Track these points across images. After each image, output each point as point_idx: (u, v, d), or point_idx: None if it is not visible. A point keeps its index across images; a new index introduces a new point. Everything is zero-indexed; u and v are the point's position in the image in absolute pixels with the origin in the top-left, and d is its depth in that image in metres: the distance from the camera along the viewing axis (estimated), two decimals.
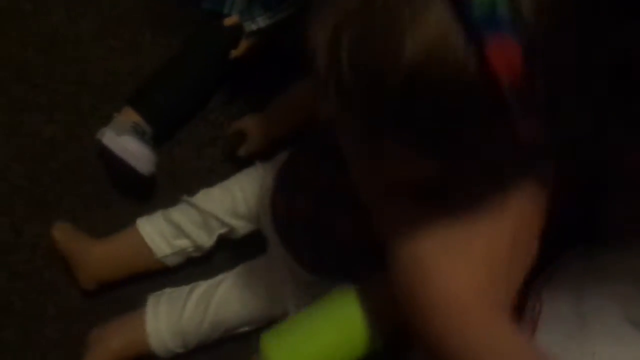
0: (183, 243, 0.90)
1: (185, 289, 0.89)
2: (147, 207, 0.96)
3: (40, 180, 1.01)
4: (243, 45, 0.93)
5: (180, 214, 0.90)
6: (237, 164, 0.97)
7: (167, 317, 0.85)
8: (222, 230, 0.90)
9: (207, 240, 0.90)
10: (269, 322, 0.86)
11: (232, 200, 0.89)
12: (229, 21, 0.93)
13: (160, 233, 0.90)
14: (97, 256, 0.90)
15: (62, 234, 0.90)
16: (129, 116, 0.94)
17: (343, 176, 0.59)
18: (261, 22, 0.91)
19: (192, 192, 0.94)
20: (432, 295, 0.49)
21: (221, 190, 0.90)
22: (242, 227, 0.89)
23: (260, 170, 0.89)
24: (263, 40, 0.94)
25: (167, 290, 0.90)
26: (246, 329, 0.88)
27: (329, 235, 0.76)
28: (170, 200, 0.95)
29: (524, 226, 0.50)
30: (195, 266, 0.95)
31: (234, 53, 0.93)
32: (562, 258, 0.62)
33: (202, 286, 0.88)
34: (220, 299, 0.86)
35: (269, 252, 0.86)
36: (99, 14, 1.10)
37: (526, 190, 0.50)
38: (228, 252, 0.95)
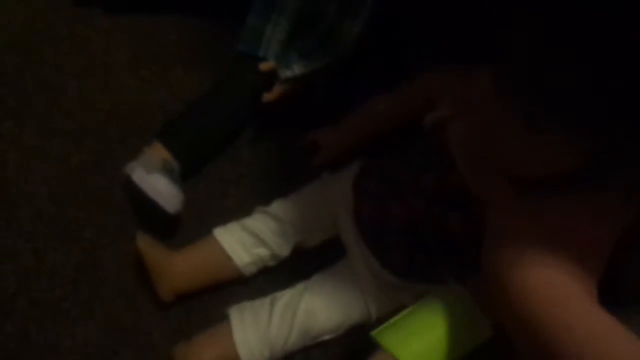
0: (262, 251, 0.92)
1: (265, 300, 0.89)
2: (170, 242, 0.96)
3: (65, 207, 1.01)
4: (277, 90, 0.94)
5: (258, 222, 0.92)
6: (263, 200, 0.99)
7: (254, 327, 0.86)
8: (298, 239, 0.93)
9: (284, 249, 0.93)
10: (349, 329, 0.88)
11: (307, 209, 0.92)
12: (265, 66, 0.95)
13: (240, 242, 0.91)
14: (179, 267, 0.90)
15: (146, 244, 0.90)
16: (159, 152, 0.94)
17: (452, 176, 0.69)
18: (297, 69, 0.93)
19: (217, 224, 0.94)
20: (539, 284, 0.55)
21: (295, 200, 0.93)
22: (318, 235, 0.93)
23: (330, 181, 0.92)
24: (297, 86, 0.96)
25: (247, 302, 0.90)
26: (327, 337, 0.89)
27: (437, 235, 0.79)
28: (194, 235, 0.96)
29: (612, 240, 0.57)
30: (265, 275, 0.96)
31: (267, 97, 0.94)
32: None
33: (285, 295, 0.89)
34: (306, 307, 0.86)
35: (349, 259, 0.88)
36: (133, 44, 1.13)
37: (628, 213, 0.57)
38: (295, 261, 0.96)
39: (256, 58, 0.97)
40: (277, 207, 0.94)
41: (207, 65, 1.10)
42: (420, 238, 0.81)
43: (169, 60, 1.11)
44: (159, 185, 0.88)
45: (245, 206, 0.99)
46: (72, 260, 0.98)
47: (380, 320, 0.81)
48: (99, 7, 1.13)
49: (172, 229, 0.99)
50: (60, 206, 1.01)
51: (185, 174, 1.00)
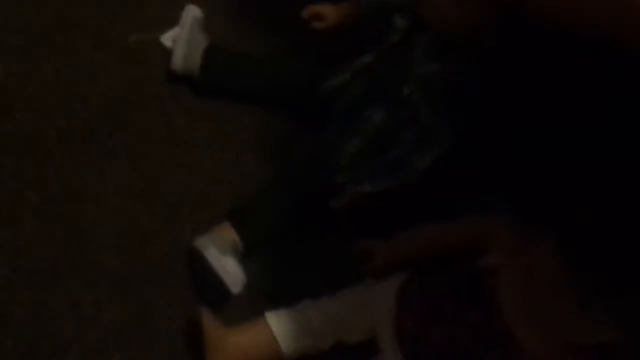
0: (307, 342, 1.00)
1: None
2: (221, 315, 1.02)
3: (129, 264, 1.09)
4: (344, 200, 1.06)
5: (307, 315, 0.99)
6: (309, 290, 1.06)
7: None
8: (340, 335, 1.00)
9: (326, 343, 1.00)
10: None
11: (352, 310, 0.99)
12: (338, 179, 1.06)
13: (289, 331, 0.99)
14: (232, 345, 0.98)
15: (209, 321, 0.98)
16: (229, 233, 1.04)
17: (498, 319, 0.77)
18: (367, 187, 1.05)
19: (262, 309, 1.02)
20: None
21: (342, 300, 1.01)
22: (357, 335, 0.99)
23: (374, 287, 0.99)
24: (365, 199, 1.07)
25: None
26: None
27: None
28: (245, 312, 1.04)
29: None
30: None
31: (335, 204, 1.06)
32: None
33: None
34: None
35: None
36: (213, 125, 1.24)
37: None
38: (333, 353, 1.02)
39: (328, 165, 1.08)
40: (326, 303, 1.02)
41: (277, 155, 1.21)
42: None
43: (243, 145, 1.22)
44: (230, 268, 0.98)
45: (292, 290, 1.07)
46: (129, 317, 1.05)
47: None
48: (189, 87, 1.25)
49: (223, 301, 1.06)
50: (125, 264, 1.09)
51: (245, 253, 1.08)
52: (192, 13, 1.20)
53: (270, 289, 1.11)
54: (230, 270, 0.98)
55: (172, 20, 1.27)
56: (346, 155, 1.08)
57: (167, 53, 1.24)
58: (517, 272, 0.81)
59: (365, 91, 1.09)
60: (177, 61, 1.17)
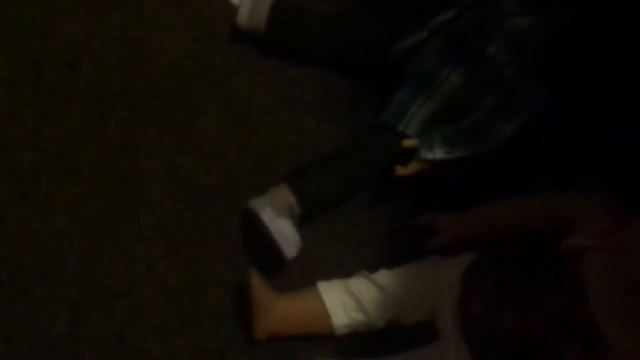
0: (359, 317, 0.95)
1: None
2: (273, 281, 0.99)
3: (183, 223, 1.07)
4: (413, 167, 0.97)
5: (362, 288, 0.94)
6: (364, 263, 1.01)
7: None
8: (396, 314, 0.94)
9: (380, 320, 0.94)
10: None
11: (412, 287, 0.93)
12: (408, 143, 0.98)
13: (342, 303, 0.94)
14: (280, 312, 0.95)
15: (258, 283, 0.95)
16: (286, 195, 0.99)
17: (581, 306, 0.69)
18: (438, 153, 0.96)
19: (315, 280, 0.98)
20: None
21: (402, 276, 0.95)
22: (414, 315, 0.93)
23: (440, 265, 0.93)
24: (433, 168, 0.98)
25: None
26: None
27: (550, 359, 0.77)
28: (294, 279, 1.01)
29: None
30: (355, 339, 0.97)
31: (401, 171, 0.97)
32: None
33: None
34: None
35: (441, 347, 0.89)
36: (276, 87, 1.19)
37: None
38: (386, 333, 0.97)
39: (395, 130, 1.01)
40: (383, 277, 0.95)
41: (340, 121, 1.15)
42: (529, 357, 0.79)
43: (306, 109, 1.17)
44: (285, 231, 0.93)
45: (346, 265, 1.03)
46: (179, 276, 1.03)
47: None
48: (254, 45, 1.21)
49: (275, 269, 1.03)
50: (179, 221, 1.07)
51: (300, 220, 1.03)
52: None
53: (326, 259, 1.06)
54: (285, 233, 0.93)
55: None
56: (419, 120, 1.00)
57: (233, 10, 1.18)
58: (609, 255, 0.71)
59: (443, 51, 1.00)
60: (243, 16, 1.12)
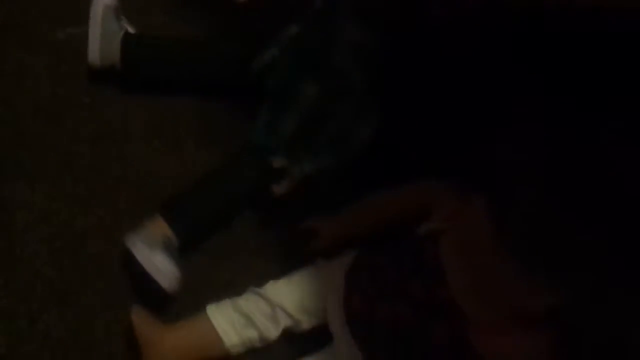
0: (251, 333, 0.93)
1: None
2: (163, 313, 0.97)
3: (64, 271, 1.03)
4: (286, 185, 0.98)
5: (249, 304, 0.93)
6: (255, 277, 1.00)
7: None
8: (288, 324, 0.94)
9: (273, 333, 0.94)
10: None
11: (300, 294, 0.93)
12: (277, 163, 0.98)
13: (231, 322, 0.93)
14: (169, 343, 0.92)
15: (141, 319, 0.92)
16: (160, 227, 0.97)
17: (440, 288, 0.73)
18: (307, 167, 0.97)
19: (210, 302, 0.96)
20: None
21: (288, 284, 0.95)
22: (307, 321, 0.93)
23: (324, 268, 0.94)
24: (306, 182, 0.99)
25: None
26: None
27: (420, 342, 0.79)
28: (186, 307, 0.98)
29: None
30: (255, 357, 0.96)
31: (277, 191, 0.98)
32: None
33: None
34: None
35: (335, 346, 0.89)
36: (150, 114, 1.17)
37: None
38: (286, 344, 0.97)
39: (266, 149, 1.00)
40: (270, 289, 0.95)
41: (220, 142, 1.14)
42: (404, 343, 0.81)
43: (182, 134, 1.15)
44: (158, 263, 0.90)
45: (238, 282, 1.01)
46: (65, 325, 0.99)
47: None
48: (118, 79, 1.17)
49: (165, 302, 1.00)
50: (59, 270, 1.03)
51: (182, 248, 1.01)
52: (102, 2, 1.10)
53: (219, 279, 1.04)
54: (160, 267, 0.91)
55: None
56: (283, 136, 1.00)
57: None
58: (457, 235, 0.74)
59: (295, 64, 1.01)
60: (94, 55, 1.08)
